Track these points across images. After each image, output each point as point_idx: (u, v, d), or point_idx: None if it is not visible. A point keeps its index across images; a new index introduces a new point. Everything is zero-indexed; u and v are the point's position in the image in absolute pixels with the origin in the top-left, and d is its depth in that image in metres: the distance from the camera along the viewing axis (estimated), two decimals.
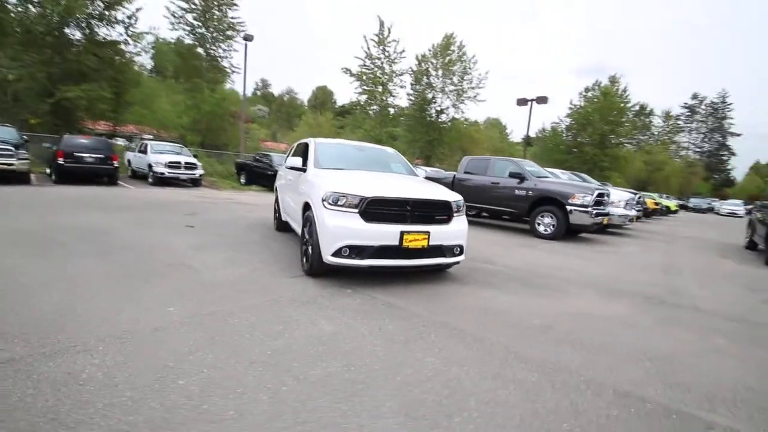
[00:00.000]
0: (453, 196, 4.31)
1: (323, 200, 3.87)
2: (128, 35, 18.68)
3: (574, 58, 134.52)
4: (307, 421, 1.77)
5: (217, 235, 5.96)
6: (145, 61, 27.36)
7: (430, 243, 3.93)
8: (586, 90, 37.17)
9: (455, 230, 4.19)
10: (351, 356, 2.43)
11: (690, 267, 6.65)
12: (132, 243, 4.95)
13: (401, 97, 30.29)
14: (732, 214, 31.53)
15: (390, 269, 3.97)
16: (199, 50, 23.89)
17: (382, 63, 27.69)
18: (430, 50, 29.34)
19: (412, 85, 29.67)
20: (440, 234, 4.02)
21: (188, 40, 23.64)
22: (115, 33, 18.33)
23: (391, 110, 29.50)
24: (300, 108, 78.10)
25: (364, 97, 28.78)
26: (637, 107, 41.13)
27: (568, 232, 8.46)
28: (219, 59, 24.37)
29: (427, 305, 3.51)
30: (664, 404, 2.16)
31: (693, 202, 36.36)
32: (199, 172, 15.16)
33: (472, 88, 28.79)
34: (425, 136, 29.45)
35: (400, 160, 5.70)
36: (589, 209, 8.11)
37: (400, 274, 4.30)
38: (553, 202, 8.50)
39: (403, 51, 27.54)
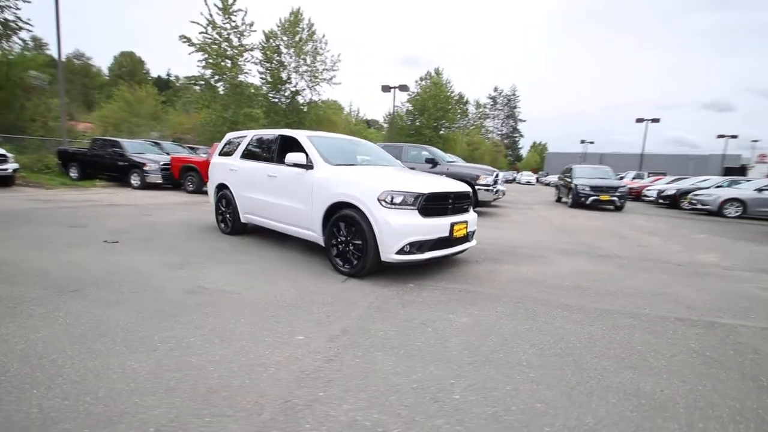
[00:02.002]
0: (469, 187, 4.81)
1: (380, 200, 3.82)
2: None
3: (398, 48, 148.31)
4: (587, 379, 2.09)
5: (168, 249, 4.89)
6: None
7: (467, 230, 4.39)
8: (421, 79, 42.27)
9: (474, 217, 4.73)
10: (523, 339, 2.74)
11: (569, 225, 8.95)
12: (81, 274, 3.71)
13: (255, 75, 28.18)
14: (528, 183, 42.47)
15: (439, 259, 4.24)
16: None
17: (228, 35, 24.94)
18: (278, 26, 28.01)
19: (261, 62, 27.85)
20: (469, 222, 4.49)
21: None
22: None
23: (242, 88, 27.07)
24: (99, 77, 62.87)
25: (209, 72, 25.46)
26: (456, 96, 49.04)
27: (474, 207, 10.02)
28: None
29: (490, 286, 3.98)
30: (702, 320, 3.27)
31: (504, 175, 46.50)
32: (12, 166, 11.23)
33: (327, 69, 29.02)
34: (284, 119, 28.36)
35: (386, 154, 5.80)
36: (491, 187, 9.81)
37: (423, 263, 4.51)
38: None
39: (253, 24, 25.44)
